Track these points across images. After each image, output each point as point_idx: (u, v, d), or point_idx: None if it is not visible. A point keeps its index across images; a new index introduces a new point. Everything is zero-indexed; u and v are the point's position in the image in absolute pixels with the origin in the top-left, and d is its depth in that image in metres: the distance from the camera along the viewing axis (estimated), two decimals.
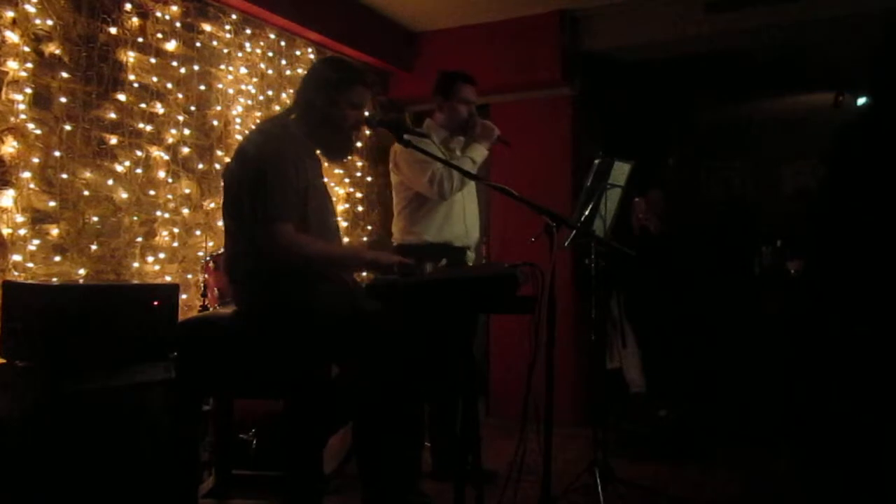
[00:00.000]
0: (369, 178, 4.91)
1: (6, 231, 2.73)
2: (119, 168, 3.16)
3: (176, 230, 3.42)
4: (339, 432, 2.91)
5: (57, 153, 2.91)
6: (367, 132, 4.68)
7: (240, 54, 3.83)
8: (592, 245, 3.14)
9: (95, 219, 3.05)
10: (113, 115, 3.14)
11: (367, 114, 2.36)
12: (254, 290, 2.17)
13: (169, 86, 3.40)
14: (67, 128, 2.95)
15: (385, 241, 4.80)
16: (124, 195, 3.18)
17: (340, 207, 4.62)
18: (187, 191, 3.50)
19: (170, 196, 3.40)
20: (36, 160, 2.84)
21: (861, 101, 5.10)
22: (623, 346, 4.44)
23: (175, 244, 3.41)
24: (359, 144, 4.72)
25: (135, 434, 2.41)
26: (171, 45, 3.42)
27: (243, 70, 3.85)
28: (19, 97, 2.78)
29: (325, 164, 2.46)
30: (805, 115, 6.29)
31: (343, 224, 4.61)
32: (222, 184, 2.30)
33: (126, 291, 2.58)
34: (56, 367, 2.29)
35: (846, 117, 5.32)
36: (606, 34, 4.56)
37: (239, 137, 3.65)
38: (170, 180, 3.40)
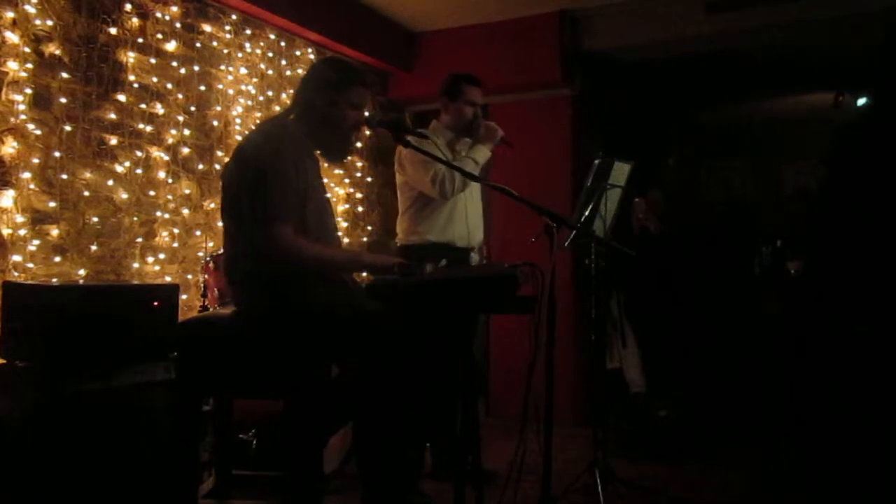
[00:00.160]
0: (369, 179, 4.91)
1: (6, 231, 2.73)
2: (119, 168, 3.16)
3: (176, 231, 3.42)
4: (339, 432, 2.91)
5: (57, 154, 2.91)
6: (367, 132, 4.68)
7: (240, 55, 3.83)
8: (592, 245, 3.15)
9: (95, 219, 3.05)
10: (113, 116, 3.14)
11: (367, 114, 2.35)
12: (253, 291, 2.17)
13: (169, 86, 3.40)
14: (67, 128, 2.95)
15: (385, 242, 4.80)
16: (124, 195, 3.18)
17: (340, 208, 4.62)
18: (187, 191, 3.50)
19: (170, 196, 3.41)
20: (36, 161, 2.84)
21: (861, 101, 5.11)
22: (623, 346, 4.43)
23: (175, 245, 3.42)
24: (359, 144, 4.72)
25: (135, 434, 2.41)
26: (171, 46, 3.42)
27: (243, 70, 3.85)
28: (19, 98, 2.78)
29: (325, 165, 2.46)
30: (805, 115, 6.29)
31: (343, 224, 4.61)
32: (221, 184, 2.30)
33: (126, 292, 2.58)
34: (56, 367, 2.29)
35: (846, 117, 5.33)
36: (606, 34, 4.56)
37: (239, 138, 3.65)
38: (170, 181, 3.40)
